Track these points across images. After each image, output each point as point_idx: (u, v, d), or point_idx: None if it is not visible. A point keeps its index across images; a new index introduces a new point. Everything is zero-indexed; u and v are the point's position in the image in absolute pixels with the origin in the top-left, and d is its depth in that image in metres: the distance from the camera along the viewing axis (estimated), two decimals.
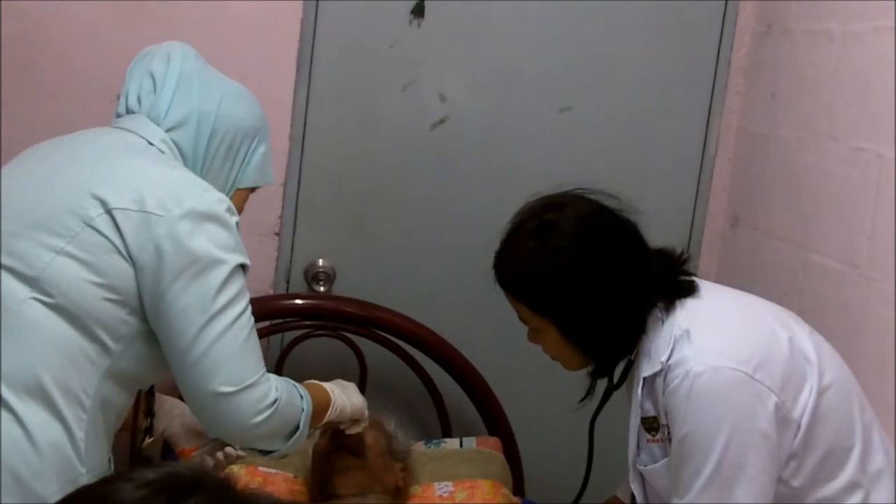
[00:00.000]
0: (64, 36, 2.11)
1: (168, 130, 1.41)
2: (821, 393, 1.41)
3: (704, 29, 2.33)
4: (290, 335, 2.23)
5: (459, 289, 2.30)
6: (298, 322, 2.22)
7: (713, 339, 1.40)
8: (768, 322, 1.46)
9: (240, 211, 1.48)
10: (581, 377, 1.57)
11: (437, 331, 2.22)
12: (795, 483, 1.41)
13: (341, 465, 1.81)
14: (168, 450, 1.85)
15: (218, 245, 1.32)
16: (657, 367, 1.42)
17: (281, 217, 2.26)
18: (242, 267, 1.36)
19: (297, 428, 1.44)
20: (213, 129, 1.43)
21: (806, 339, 1.46)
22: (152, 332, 1.34)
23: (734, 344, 1.40)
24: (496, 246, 1.49)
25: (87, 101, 2.06)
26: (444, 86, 2.29)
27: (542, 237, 1.44)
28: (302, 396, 1.46)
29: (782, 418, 1.38)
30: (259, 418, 1.35)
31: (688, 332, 1.41)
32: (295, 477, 1.99)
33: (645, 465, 1.50)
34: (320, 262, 2.31)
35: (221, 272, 1.32)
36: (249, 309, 1.36)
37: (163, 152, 1.40)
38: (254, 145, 1.49)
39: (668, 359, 1.40)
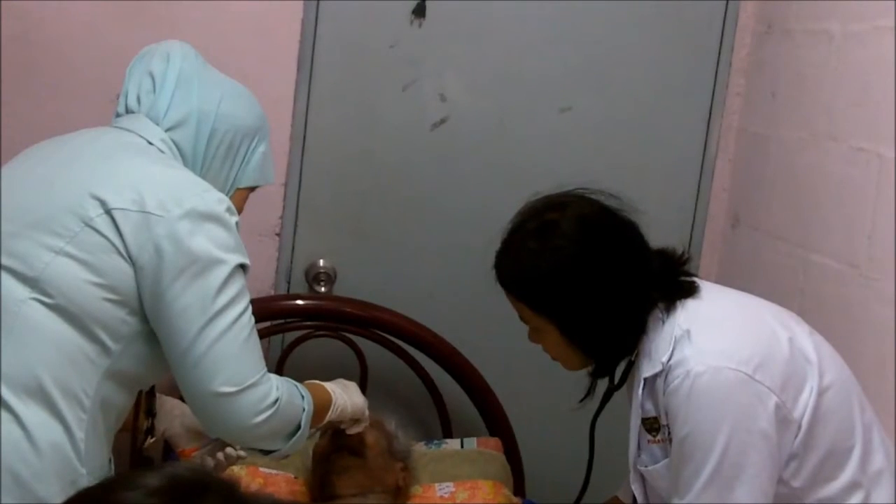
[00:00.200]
0: (64, 36, 2.12)
1: (168, 130, 1.41)
2: (821, 393, 1.41)
3: (705, 29, 2.33)
4: (290, 336, 2.23)
5: (460, 289, 2.30)
6: (299, 322, 2.22)
7: (714, 340, 1.40)
8: (769, 322, 1.46)
9: (240, 210, 1.48)
10: (582, 377, 1.57)
11: (438, 331, 2.22)
12: (796, 483, 1.41)
13: (341, 465, 1.82)
14: (169, 450, 1.86)
15: (218, 245, 1.32)
16: (658, 368, 1.42)
17: (282, 217, 2.26)
18: (242, 267, 1.36)
19: (299, 428, 1.44)
20: (213, 128, 1.43)
21: (806, 339, 1.46)
22: (152, 332, 1.34)
23: (734, 344, 1.40)
24: (497, 246, 1.49)
25: (86, 101, 2.06)
26: (445, 86, 2.29)
27: (543, 237, 1.44)
28: (303, 396, 1.46)
29: (783, 418, 1.38)
30: (260, 418, 1.35)
31: (688, 332, 1.41)
32: (295, 477, 1.99)
33: (646, 466, 1.50)
34: (321, 262, 2.31)
35: (221, 272, 1.32)
36: (250, 309, 1.36)
37: (162, 152, 1.40)
38: (253, 145, 1.48)
39: (669, 359, 1.40)
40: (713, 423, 1.36)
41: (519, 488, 2.19)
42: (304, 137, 2.26)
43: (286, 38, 2.19)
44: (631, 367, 1.52)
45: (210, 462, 1.60)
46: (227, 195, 1.44)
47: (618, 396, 1.57)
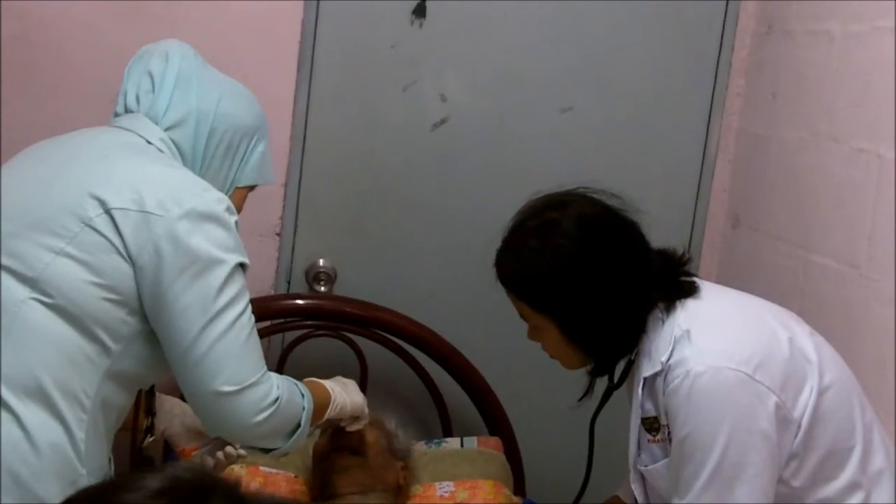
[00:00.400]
0: (64, 36, 2.11)
1: (167, 129, 1.41)
2: (821, 393, 1.41)
3: (705, 29, 2.33)
4: (290, 335, 2.23)
5: (460, 289, 2.30)
6: (299, 322, 2.22)
7: (713, 340, 1.41)
8: (769, 322, 1.46)
9: (239, 210, 1.48)
10: (582, 377, 1.57)
11: (438, 331, 2.22)
12: (796, 483, 1.41)
13: (342, 464, 1.82)
14: (169, 449, 1.86)
15: (218, 245, 1.32)
16: (657, 368, 1.42)
17: (282, 217, 2.26)
18: (242, 267, 1.36)
19: (299, 426, 1.44)
20: (212, 127, 1.43)
21: (806, 339, 1.46)
22: (152, 332, 1.34)
23: (734, 344, 1.40)
24: (497, 245, 1.50)
25: (86, 101, 2.06)
26: (445, 86, 2.29)
27: (544, 236, 1.44)
28: (303, 395, 1.46)
29: (782, 418, 1.38)
30: (260, 417, 1.35)
31: (688, 332, 1.41)
32: (296, 477, 1.99)
33: (646, 466, 1.50)
34: (321, 262, 2.31)
35: (222, 272, 1.32)
36: (250, 308, 1.36)
37: (161, 151, 1.40)
38: (252, 144, 1.48)
39: (669, 359, 1.41)
40: (713, 423, 1.36)
41: (519, 488, 2.19)
42: (305, 137, 2.26)
43: (286, 38, 2.19)
44: (630, 367, 1.52)
45: (210, 461, 1.60)
46: (226, 194, 1.44)
47: (618, 396, 1.57)
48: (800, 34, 2.12)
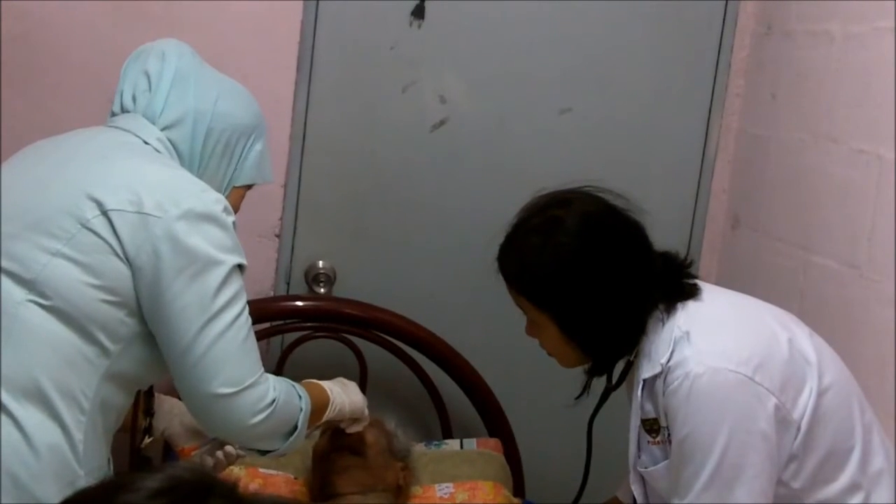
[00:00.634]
0: (64, 36, 2.11)
1: (164, 129, 1.41)
2: (820, 394, 1.41)
3: (704, 30, 2.33)
4: (290, 336, 2.23)
5: (459, 290, 2.30)
6: (299, 323, 2.22)
7: (713, 341, 1.40)
8: (768, 323, 1.46)
9: (237, 209, 1.48)
10: (581, 379, 1.57)
11: (437, 332, 2.22)
12: (795, 484, 1.41)
13: (342, 464, 1.81)
14: (168, 449, 1.85)
15: (216, 245, 1.32)
16: (657, 369, 1.42)
17: (281, 218, 2.26)
18: (240, 268, 1.35)
19: (296, 428, 1.44)
20: (210, 127, 1.42)
21: (806, 340, 1.45)
22: (151, 333, 1.34)
23: (734, 345, 1.40)
24: (498, 243, 1.49)
25: (87, 102, 2.05)
26: (444, 87, 2.29)
27: (548, 233, 1.44)
28: (300, 396, 1.46)
29: (782, 419, 1.38)
30: (257, 418, 1.35)
31: (688, 333, 1.41)
32: (295, 478, 1.99)
33: (646, 467, 1.50)
34: (320, 263, 2.31)
35: (220, 273, 1.31)
36: (247, 309, 1.36)
37: (158, 151, 1.39)
38: (250, 143, 1.48)
39: (668, 360, 1.40)
40: (713, 424, 1.36)
41: (518, 489, 2.19)
42: (304, 138, 2.26)
43: (285, 38, 2.19)
44: (630, 368, 1.52)
45: (209, 461, 1.60)
46: (224, 194, 1.44)
47: (617, 397, 1.57)
48: (799, 35, 2.12)
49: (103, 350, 1.31)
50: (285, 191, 2.25)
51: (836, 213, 1.92)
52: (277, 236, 2.26)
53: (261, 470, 1.97)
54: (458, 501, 1.99)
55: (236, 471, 1.92)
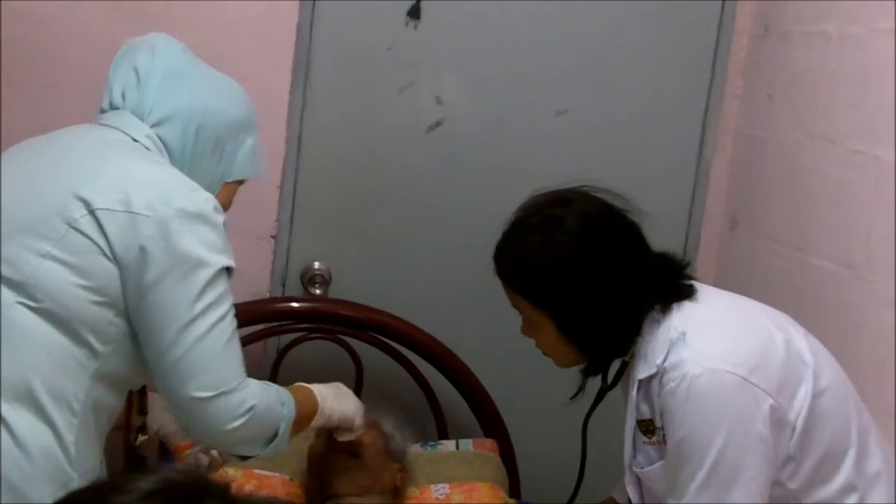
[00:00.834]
0: (64, 36, 2.11)
1: (153, 126, 1.39)
2: (816, 396, 1.40)
3: (701, 31, 2.33)
4: (286, 338, 2.23)
5: (455, 291, 2.30)
6: (295, 325, 2.21)
7: (709, 342, 1.40)
8: (764, 324, 1.46)
9: (229, 204, 1.46)
10: (577, 380, 1.56)
11: (433, 333, 2.21)
12: (792, 485, 1.41)
13: (338, 466, 1.81)
14: (164, 448, 1.85)
15: (205, 246, 1.30)
16: (653, 370, 1.42)
17: (277, 220, 2.25)
18: (228, 271, 1.34)
19: (277, 434, 1.41)
20: (200, 123, 1.40)
21: (801, 341, 1.45)
22: None
23: (730, 347, 1.39)
24: (496, 240, 1.49)
25: (86, 102, 2.03)
26: (441, 88, 2.29)
27: (546, 231, 1.44)
28: (283, 403, 1.43)
29: (778, 420, 1.37)
30: (234, 424, 1.33)
31: (684, 334, 1.40)
32: (291, 479, 1.98)
33: (641, 468, 1.49)
34: (316, 264, 2.31)
35: (205, 275, 1.30)
36: (232, 313, 1.34)
37: (148, 149, 1.38)
38: (241, 138, 1.46)
39: (664, 361, 1.40)
40: (710, 425, 1.36)
41: (514, 489, 2.19)
42: (300, 139, 2.26)
43: (282, 39, 2.18)
44: (625, 369, 1.51)
45: (205, 459, 1.59)
46: (215, 190, 1.42)
47: (613, 397, 1.57)
48: (796, 36, 2.12)
49: (93, 351, 1.30)
50: (281, 192, 2.24)
51: (833, 214, 1.92)
52: (273, 237, 2.25)
53: (256, 471, 1.96)
54: (454, 502, 1.98)
55: (231, 472, 1.91)
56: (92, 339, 1.29)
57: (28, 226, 1.29)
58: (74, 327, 1.28)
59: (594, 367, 1.52)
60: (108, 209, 1.28)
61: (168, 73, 1.40)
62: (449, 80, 2.29)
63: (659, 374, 1.41)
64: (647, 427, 1.46)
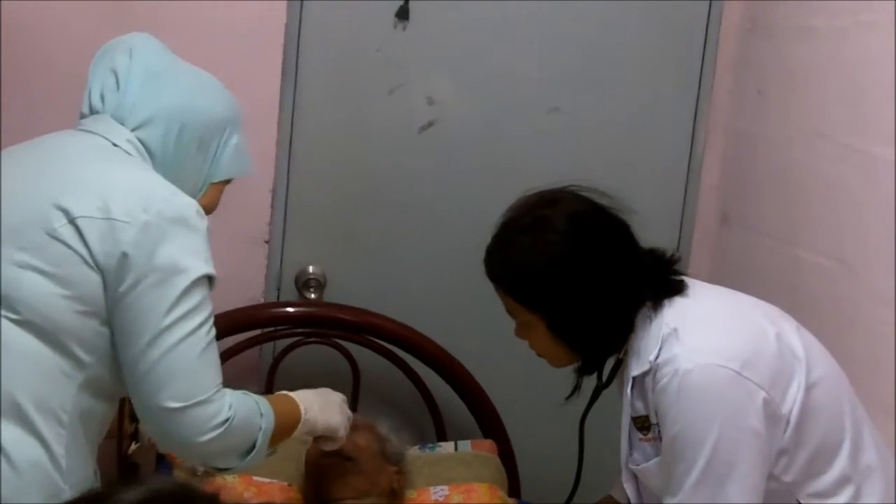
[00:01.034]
0: (63, 36, 2.09)
1: (134, 129, 1.36)
2: (809, 388, 1.41)
3: (691, 28, 2.33)
4: (281, 343, 2.22)
5: (451, 292, 2.30)
6: (290, 330, 2.21)
7: (701, 337, 1.40)
8: (756, 318, 1.46)
9: (215, 205, 1.45)
10: (574, 378, 1.56)
11: (430, 335, 2.21)
12: (787, 479, 1.41)
13: (336, 470, 1.81)
14: (161, 455, 1.84)
15: (185, 252, 1.28)
16: (646, 367, 1.42)
17: (270, 224, 2.25)
18: (209, 279, 1.31)
19: (254, 446, 1.38)
20: (182, 124, 1.38)
21: (794, 335, 1.46)
22: None
23: (722, 341, 1.40)
24: (487, 242, 1.49)
25: (72, 107, 2.03)
26: (432, 89, 2.28)
27: (535, 232, 1.44)
28: (262, 414, 1.39)
29: (771, 414, 1.37)
30: (207, 437, 1.29)
31: (676, 330, 1.41)
32: (289, 485, 1.98)
33: (638, 465, 1.49)
34: (311, 268, 2.30)
35: (182, 281, 1.27)
36: (210, 322, 1.31)
37: (129, 154, 1.35)
38: (226, 137, 1.43)
39: (657, 357, 1.40)
40: (703, 420, 1.36)
41: (514, 489, 2.19)
42: (291, 143, 2.25)
43: (270, 41, 2.17)
44: (619, 366, 1.52)
45: (200, 468, 1.58)
46: (200, 190, 1.41)
47: (611, 395, 1.57)
48: (785, 31, 2.13)
49: (79, 362, 1.28)
50: (273, 196, 2.24)
51: (825, 209, 1.93)
52: (267, 242, 2.25)
53: (255, 478, 1.96)
54: (453, 503, 1.98)
55: (230, 479, 1.91)
56: (77, 350, 1.28)
57: (8, 237, 1.27)
58: (59, 338, 1.27)
59: (588, 366, 1.52)
60: (87, 217, 1.26)
61: (147, 73, 1.38)
62: (439, 80, 2.29)
63: (652, 371, 1.41)
64: (643, 424, 1.47)
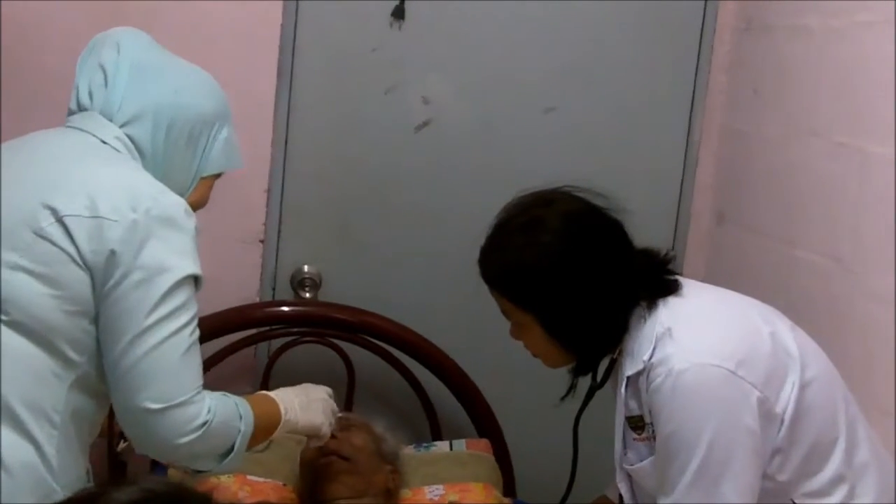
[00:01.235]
0: (63, 37, 2.09)
1: (122, 126, 1.35)
2: (803, 387, 1.41)
3: (685, 27, 2.34)
4: (276, 343, 2.22)
5: (446, 292, 2.30)
6: (285, 329, 2.21)
7: (695, 337, 1.40)
8: (750, 317, 1.46)
9: (205, 200, 1.44)
10: (569, 378, 1.56)
11: (425, 334, 2.21)
12: (781, 478, 1.41)
13: (331, 469, 1.81)
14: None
15: (171, 251, 1.28)
16: (640, 366, 1.42)
17: (265, 223, 2.25)
18: (195, 280, 1.30)
19: (233, 449, 1.37)
20: (171, 119, 1.36)
21: (788, 334, 1.46)
22: None
23: (716, 340, 1.40)
24: (482, 243, 1.49)
25: (64, 106, 2.03)
26: (427, 88, 2.28)
27: (529, 232, 1.44)
28: (241, 416, 1.38)
29: (766, 413, 1.38)
30: (185, 439, 1.28)
31: (670, 330, 1.41)
32: (284, 485, 1.98)
33: (632, 464, 1.49)
34: (306, 268, 2.30)
35: (166, 281, 1.26)
36: (194, 323, 1.30)
37: (118, 151, 1.34)
38: (215, 131, 1.42)
39: (651, 357, 1.40)
40: (697, 420, 1.36)
41: (509, 488, 2.19)
42: (286, 142, 2.25)
43: (265, 41, 2.18)
44: (613, 366, 1.52)
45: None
46: (191, 185, 1.40)
47: (605, 395, 1.57)
48: (779, 30, 2.13)
49: (69, 362, 1.28)
50: (269, 195, 2.24)
51: (820, 208, 1.93)
52: (262, 241, 2.25)
53: (249, 477, 1.96)
54: (448, 502, 1.98)
55: (224, 479, 1.90)
56: (67, 350, 1.27)
57: None
58: (49, 339, 1.26)
59: (583, 366, 1.52)
60: (75, 215, 1.25)
61: (135, 68, 1.36)
62: (435, 80, 2.29)
63: (646, 370, 1.41)
64: (637, 423, 1.46)
